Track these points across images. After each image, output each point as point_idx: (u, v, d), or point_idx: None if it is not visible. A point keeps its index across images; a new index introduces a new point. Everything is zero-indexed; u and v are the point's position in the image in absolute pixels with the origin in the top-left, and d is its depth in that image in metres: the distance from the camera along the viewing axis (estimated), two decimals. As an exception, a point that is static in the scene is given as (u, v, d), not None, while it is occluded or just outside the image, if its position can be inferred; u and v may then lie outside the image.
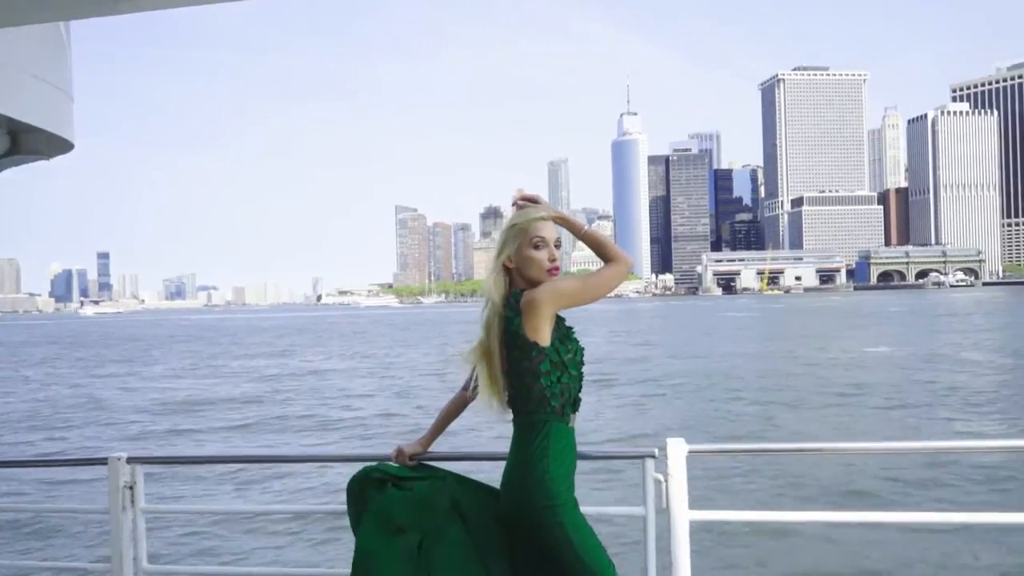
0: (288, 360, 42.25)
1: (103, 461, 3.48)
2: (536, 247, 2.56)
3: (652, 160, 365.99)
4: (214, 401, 25.28)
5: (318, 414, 21.81)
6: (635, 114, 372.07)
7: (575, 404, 2.57)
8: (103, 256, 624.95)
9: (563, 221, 2.64)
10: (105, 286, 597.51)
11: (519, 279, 2.59)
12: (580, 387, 2.58)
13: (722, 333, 55.24)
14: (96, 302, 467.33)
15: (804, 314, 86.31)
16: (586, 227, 2.61)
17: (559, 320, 2.57)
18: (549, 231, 2.59)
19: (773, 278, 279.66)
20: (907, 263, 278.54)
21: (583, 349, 2.61)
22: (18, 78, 4.90)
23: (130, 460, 3.47)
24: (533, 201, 2.63)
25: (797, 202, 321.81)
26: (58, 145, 5.73)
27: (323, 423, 20.35)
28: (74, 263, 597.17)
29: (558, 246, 2.60)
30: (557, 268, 2.58)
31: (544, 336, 2.49)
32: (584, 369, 2.60)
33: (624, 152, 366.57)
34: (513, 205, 2.66)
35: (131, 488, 3.45)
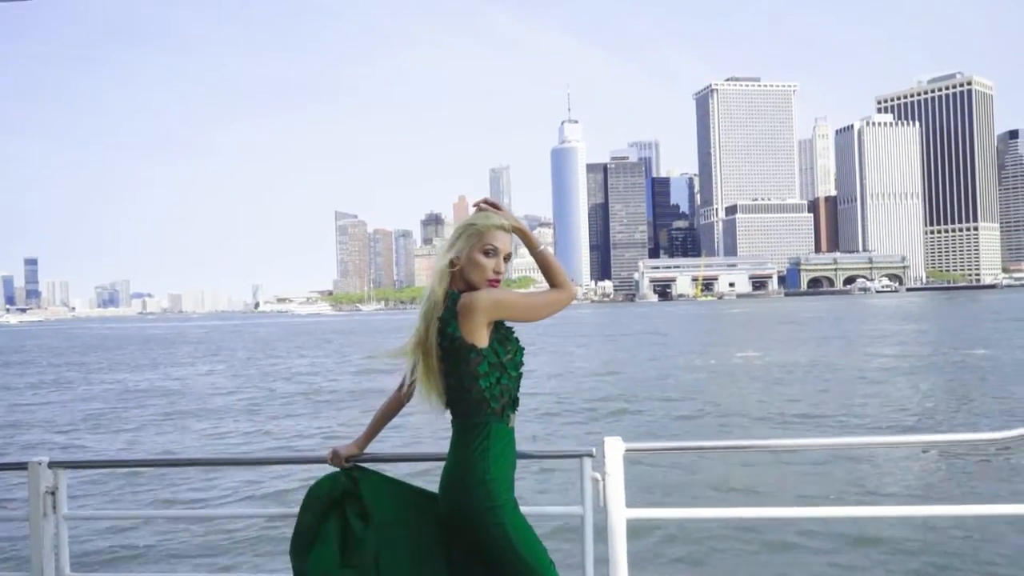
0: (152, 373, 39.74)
1: (23, 466, 3.35)
2: (486, 254, 2.53)
3: (591, 168, 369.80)
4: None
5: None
6: (576, 122, 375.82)
7: (514, 404, 2.56)
8: (31, 262, 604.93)
9: (522, 234, 2.61)
10: (33, 293, 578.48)
11: (459, 280, 2.56)
12: (519, 387, 2.56)
13: (626, 340, 55.82)
14: (23, 310, 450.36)
15: (722, 320, 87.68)
16: (542, 246, 2.57)
17: (498, 322, 2.53)
18: (504, 242, 2.56)
19: (707, 285, 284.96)
20: (835, 269, 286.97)
21: (523, 349, 2.59)
22: None
23: (52, 464, 3.34)
24: (495, 207, 2.59)
25: (731, 210, 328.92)
26: None
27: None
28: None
29: (507, 259, 2.58)
30: (498, 281, 2.55)
31: (481, 338, 2.47)
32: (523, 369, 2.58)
33: (563, 159, 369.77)
34: (475, 206, 2.61)
35: (53, 494, 3.32)
